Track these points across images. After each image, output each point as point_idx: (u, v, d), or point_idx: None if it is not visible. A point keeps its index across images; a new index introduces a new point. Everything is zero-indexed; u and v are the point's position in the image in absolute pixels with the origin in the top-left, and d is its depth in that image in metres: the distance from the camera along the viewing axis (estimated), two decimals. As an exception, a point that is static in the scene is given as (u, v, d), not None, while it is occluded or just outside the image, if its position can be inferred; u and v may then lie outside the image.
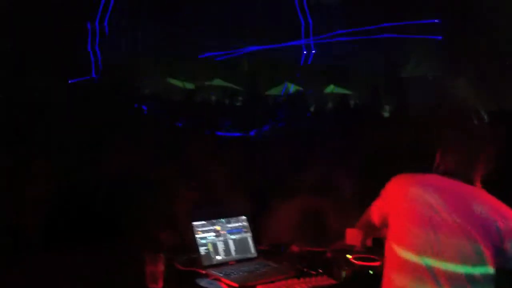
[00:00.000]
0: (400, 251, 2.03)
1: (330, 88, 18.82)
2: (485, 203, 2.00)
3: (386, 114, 14.58)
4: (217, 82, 18.43)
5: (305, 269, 2.56)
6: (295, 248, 2.86)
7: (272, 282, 2.42)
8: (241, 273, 2.56)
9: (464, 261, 1.93)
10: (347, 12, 18.76)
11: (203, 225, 2.76)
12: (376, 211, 2.35)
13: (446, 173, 2.10)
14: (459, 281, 1.93)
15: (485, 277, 1.94)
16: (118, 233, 3.60)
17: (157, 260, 2.38)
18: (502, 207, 2.00)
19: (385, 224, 2.22)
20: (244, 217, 2.94)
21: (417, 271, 1.97)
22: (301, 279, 2.44)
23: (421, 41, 17.50)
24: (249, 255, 2.82)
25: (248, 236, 2.88)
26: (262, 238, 3.10)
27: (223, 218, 2.86)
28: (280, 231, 3.42)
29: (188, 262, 2.68)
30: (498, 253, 1.93)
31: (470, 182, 2.07)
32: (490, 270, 1.94)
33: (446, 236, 1.94)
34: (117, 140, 5.64)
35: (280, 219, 3.75)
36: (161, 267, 2.38)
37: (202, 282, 2.45)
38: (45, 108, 6.79)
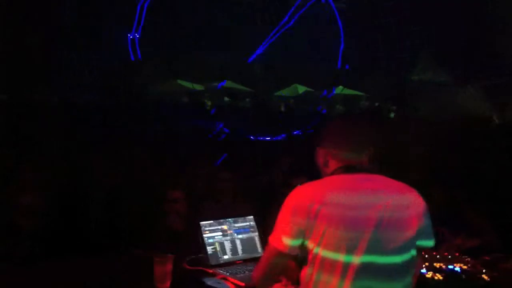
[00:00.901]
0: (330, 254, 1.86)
1: (339, 89, 18.75)
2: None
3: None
4: (228, 84, 18.41)
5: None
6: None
7: (280, 281, 2.42)
8: (248, 272, 2.57)
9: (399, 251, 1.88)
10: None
11: (210, 225, 2.78)
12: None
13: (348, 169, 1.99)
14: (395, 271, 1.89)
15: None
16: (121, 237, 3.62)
17: (166, 260, 2.40)
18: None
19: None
20: (251, 217, 2.95)
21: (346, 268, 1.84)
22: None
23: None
24: (256, 255, 2.82)
25: (255, 235, 2.90)
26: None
27: (230, 218, 2.88)
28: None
29: (195, 262, 2.70)
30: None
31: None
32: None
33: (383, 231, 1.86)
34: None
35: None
36: (169, 267, 2.40)
37: (209, 281, 2.47)
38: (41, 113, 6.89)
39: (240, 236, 2.85)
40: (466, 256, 2.59)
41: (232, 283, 2.45)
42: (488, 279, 2.38)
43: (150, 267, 2.40)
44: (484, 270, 2.43)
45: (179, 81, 18.00)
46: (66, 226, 3.74)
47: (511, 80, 14.44)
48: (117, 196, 4.41)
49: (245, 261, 2.76)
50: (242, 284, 2.42)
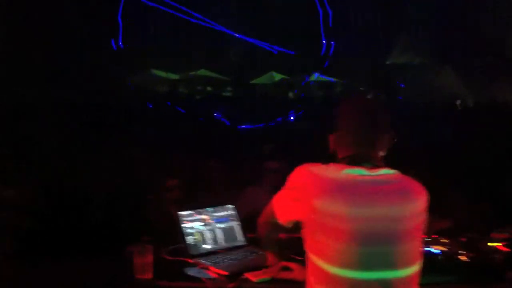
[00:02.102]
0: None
1: (314, 76, 18.79)
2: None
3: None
4: (202, 72, 18.31)
5: (292, 256, 2.57)
6: (282, 235, 2.87)
7: (261, 269, 2.43)
8: (229, 261, 2.58)
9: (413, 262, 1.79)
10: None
11: (189, 215, 2.77)
12: None
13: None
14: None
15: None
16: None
17: (145, 251, 2.38)
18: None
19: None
20: (231, 206, 2.95)
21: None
22: (289, 265, 2.45)
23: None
24: (237, 243, 2.83)
25: (236, 224, 2.89)
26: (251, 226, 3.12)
27: (209, 207, 2.87)
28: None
29: (176, 252, 2.69)
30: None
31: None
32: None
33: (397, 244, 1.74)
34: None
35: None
36: (149, 258, 2.38)
37: (191, 271, 2.45)
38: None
39: (220, 225, 2.84)
40: (443, 238, 2.62)
41: (214, 272, 2.45)
42: (466, 260, 2.42)
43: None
44: (461, 251, 2.47)
45: (154, 71, 17.88)
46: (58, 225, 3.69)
47: (492, 60, 14.67)
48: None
49: (226, 250, 2.75)
50: (225, 273, 2.41)
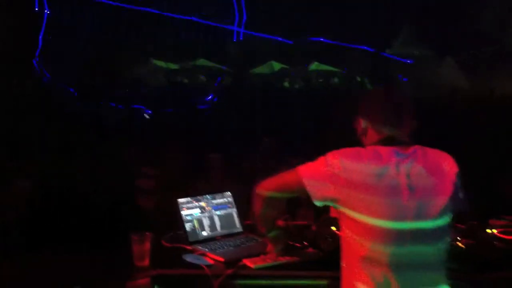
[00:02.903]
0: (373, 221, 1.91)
1: (314, 66, 18.78)
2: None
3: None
4: (201, 62, 18.30)
5: (290, 242, 2.57)
6: (280, 223, 2.87)
7: (259, 255, 2.43)
8: (227, 247, 2.58)
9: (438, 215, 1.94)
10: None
11: (188, 202, 2.77)
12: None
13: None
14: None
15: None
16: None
17: (144, 239, 2.39)
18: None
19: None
20: (229, 193, 2.94)
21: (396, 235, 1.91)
22: (287, 252, 2.45)
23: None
24: (235, 230, 2.83)
25: (233, 211, 2.89)
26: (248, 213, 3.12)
27: (208, 194, 2.86)
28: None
29: (174, 239, 2.69)
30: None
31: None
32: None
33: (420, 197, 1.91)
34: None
35: None
36: (147, 246, 2.39)
37: (189, 257, 2.45)
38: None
39: (218, 212, 2.84)
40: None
41: (212, 258, 2.45)
42: (464, 247, 2.42)
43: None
44: (459, 238, 2.47)
45: (154, 61, 17.85)
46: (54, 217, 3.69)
47: (492, 52, 14.65)
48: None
49: (224, 237, 2.75)
50: (222, 259, 2.41)
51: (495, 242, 2.61)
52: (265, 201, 2.23)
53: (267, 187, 2.20)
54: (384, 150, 1.96)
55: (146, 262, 2.38)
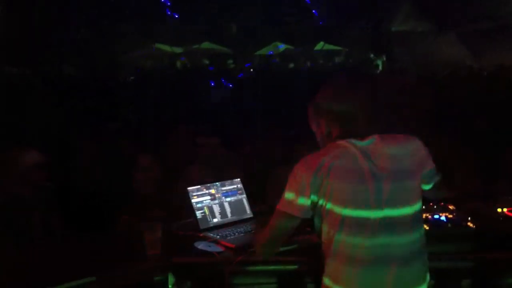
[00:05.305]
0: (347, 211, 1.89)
1: (320, 45, 18.66)
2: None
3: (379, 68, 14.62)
4: (206, 45, 18.20)
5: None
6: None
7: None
8: (237, 234, 2.61)
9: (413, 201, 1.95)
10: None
11: (198, 190, 2.79)
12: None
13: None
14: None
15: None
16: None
17: (155, 228, 2.41)
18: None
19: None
20: (238, 180, 2.96)
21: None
22: (293, 237, 2.46)
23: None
24: (245, 216, 2.86)
25: (243, 197, 2.91)
26: (258, 199, 3.14)
27: (217, 181, 2.88)
28: (274, 192, 3.44)
29: (185, 227, 2.72)
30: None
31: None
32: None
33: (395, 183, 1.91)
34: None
35: (275, 180, 3.77)
36: (158, 234, 2.42)
37: (200, 245, 2.48)
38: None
39: (228, 199, 2.86)
40: (450, 205, 2.63)
41: (223, 245, 2.47)
42: (474, 227, 2.42)
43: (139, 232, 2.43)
44: (469, 218, 2.47)
45: (158, 45, 17.76)
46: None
47: (489, 26, 14.47)
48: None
49: (234, 223, 2.78)
50: (232, 245, 2.44)
51: (505, 223, 2.61)
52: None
53: (263, 244, 2.11)
54: (343, 142, 1.94)
55: (158, 250, 2.41)
